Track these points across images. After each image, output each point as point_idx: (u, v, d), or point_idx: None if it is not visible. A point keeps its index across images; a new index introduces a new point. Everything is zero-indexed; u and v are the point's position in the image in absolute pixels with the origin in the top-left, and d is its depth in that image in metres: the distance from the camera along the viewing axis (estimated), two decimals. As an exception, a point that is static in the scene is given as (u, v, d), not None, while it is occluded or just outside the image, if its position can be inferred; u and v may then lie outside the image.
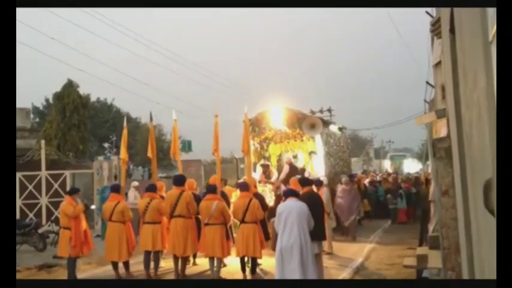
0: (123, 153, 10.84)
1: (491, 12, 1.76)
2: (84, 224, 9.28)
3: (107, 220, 9.50)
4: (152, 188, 9.81)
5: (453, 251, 5.57)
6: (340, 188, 13.62)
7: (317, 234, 8.14)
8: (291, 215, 7.05)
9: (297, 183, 8.90)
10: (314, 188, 9.33)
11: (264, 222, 9.40)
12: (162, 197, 9.86)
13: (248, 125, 10.30)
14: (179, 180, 9.55)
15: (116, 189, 9.90)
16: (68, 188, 15.97)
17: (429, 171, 20.25)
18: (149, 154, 10.87)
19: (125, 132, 10.89)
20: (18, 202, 15.44)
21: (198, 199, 9.56)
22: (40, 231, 13.00)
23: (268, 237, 9.07)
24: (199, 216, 9.34)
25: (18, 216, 15.01)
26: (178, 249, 8.98)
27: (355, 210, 13.67)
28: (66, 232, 9.02)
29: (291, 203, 7.29)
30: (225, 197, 10.02)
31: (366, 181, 21.35)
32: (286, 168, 13.60)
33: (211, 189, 9.44)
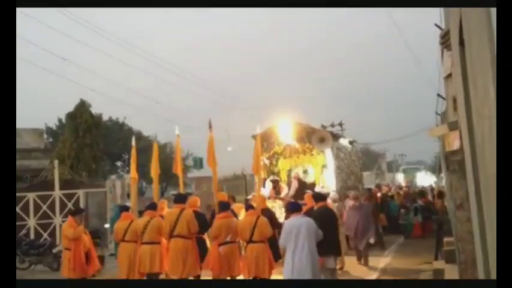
0: (133, 172, 10.73)
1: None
2: (86, 245, 9.10)
3: (119, 240, 9.23)
4: (152, 207, 9.33)
5: (469, 265, 5.49)
6: (348, 205, 11.84)
7: (333, 249, 8.10)
8: (300, 233, 6.96)
9: (311, 198, 8.81)
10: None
11: (275, 240, 8.88)
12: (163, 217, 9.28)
13: (259, 144, 9.98)
14: (179, 198, 9.18)
15: (126, 209, 9.74)
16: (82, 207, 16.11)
17: (443, 184, 20.08)
18: (152, 174, 10.67)
19: (133, 151, 10.80)
20: (32, 222, 15.55)
21: (200, 217, 9.16)
22: (54, 250, 13.06)
23: (279, 256, 8.67)
24: (203, 236, 9.08)
25: (32, 236, 15.12)
26: (177, 271, 8.53)
27: (370, 229, 11.74)
28: (67, 253, 8.95)
29: (299, 220, 7.19)
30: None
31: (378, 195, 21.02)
32: (295, 184, 13.49)
33: (225, 206, 9.02)
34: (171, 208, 9.33)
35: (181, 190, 10.64)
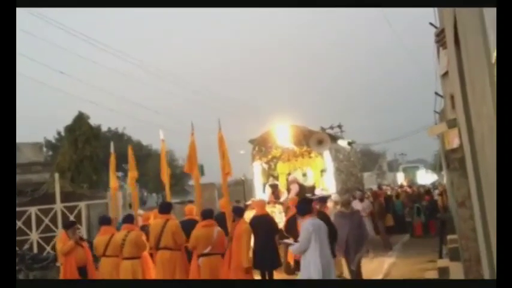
0: (113, 181, 10.09)
1: (492, 36, 1.78)
2: (81, 258, 8.29)
3: (100, 255, 8.48)
4: (129, 219, 8.71)
5: (474, 262, 5.50)
6: (336, 211, 9.36)
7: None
8: (320, 233, 6.93)
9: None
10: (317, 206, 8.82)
11: (274, 245, 8.67)
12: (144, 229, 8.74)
13: (222, 140, 8.61)
14: (164, 208, 8.52)
15: (105, 221, 8.95)
16: (83, 219, 16.07)
17: (444, 182, 20.10)
18: (129, 181, 9.98)
19: (112, 158, 10.06)
20: (35, 236, 15.53)
21: (194, 226, 8.21)
22: (58, 264, 13.03)
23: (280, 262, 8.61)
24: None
25: (35, 250, 15.08)
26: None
27: (363, 243, 8.83)
28: (62, 268, 8.54)
29: (317, 221, 7.15)
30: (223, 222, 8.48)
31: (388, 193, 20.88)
32: (295, 188, 13.20)
33: (208, 214, 8.13)
34: (156, 219, 8.67)
35: (168, 199, 9.96)
